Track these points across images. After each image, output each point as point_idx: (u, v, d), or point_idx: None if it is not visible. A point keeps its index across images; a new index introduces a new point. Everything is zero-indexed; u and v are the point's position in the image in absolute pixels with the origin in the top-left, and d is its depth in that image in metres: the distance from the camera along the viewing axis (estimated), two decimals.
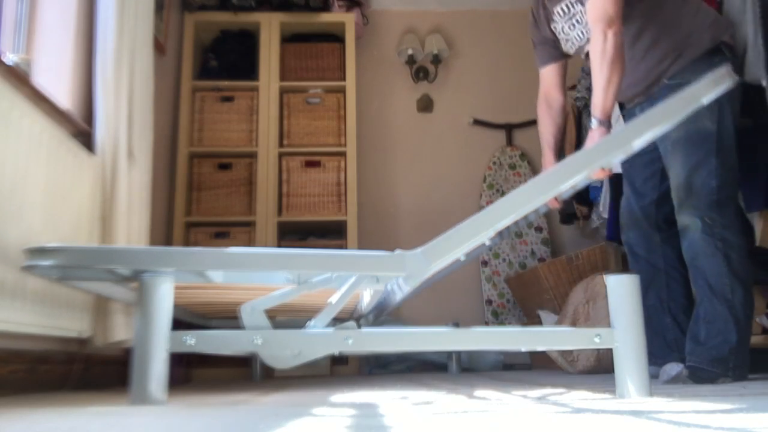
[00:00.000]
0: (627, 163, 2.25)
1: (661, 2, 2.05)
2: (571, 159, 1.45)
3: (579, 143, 3.38)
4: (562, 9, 2.12)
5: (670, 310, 2.11)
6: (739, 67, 2.07)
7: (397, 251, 1.34)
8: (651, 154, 2.15)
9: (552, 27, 2.20)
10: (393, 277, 1.40)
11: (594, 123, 1.87)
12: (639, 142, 1.48)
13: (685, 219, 1.94)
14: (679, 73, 2.01)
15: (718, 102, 1.93)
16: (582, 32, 2.11)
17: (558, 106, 2.25)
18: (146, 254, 1.27)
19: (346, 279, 1.41)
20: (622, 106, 2.35)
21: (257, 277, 1.56)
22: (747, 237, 1.99)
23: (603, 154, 1.45)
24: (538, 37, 2.27)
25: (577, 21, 2.09)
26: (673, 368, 1.88)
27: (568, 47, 2.20)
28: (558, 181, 1.42)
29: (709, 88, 1.50)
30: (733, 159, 1.98)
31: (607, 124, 1.88)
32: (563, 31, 2.16)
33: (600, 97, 1.85)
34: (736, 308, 1.86)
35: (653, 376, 2.06)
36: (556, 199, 2.22)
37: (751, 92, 2.23)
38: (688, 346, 1.92)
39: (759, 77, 2.22)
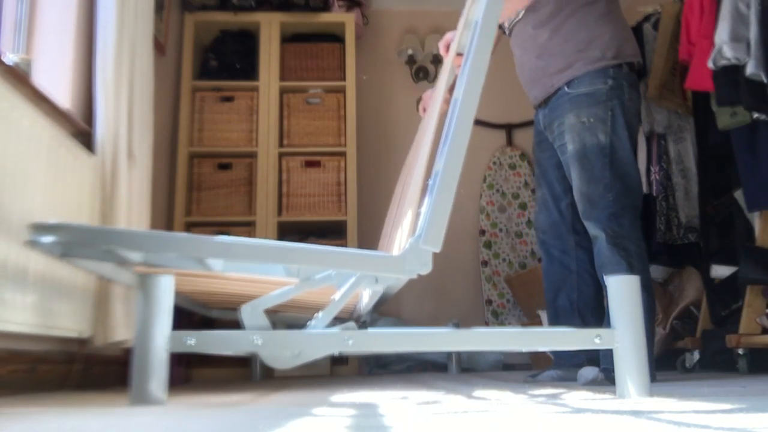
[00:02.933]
0: (541, 164, 2.31)
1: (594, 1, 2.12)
2: (468, 75, 1.44)
3: None
4: None
5: (579, 312, 2.17)
6: (636, 88, 2.14)
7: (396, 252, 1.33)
8: (558, 157, 2.19)
9: None
10: (394, 278, 1.40)
11: None
12: None
13: (592, 230, 2.03)
14: (577, 81, 2.08)
15: (612, 113, 2.04)
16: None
17: None
18: (146, 238, 1.28)
19: (346, 278, 1.41)
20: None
21: (256, 269, 1.56)
22: (645, 242, 2.09)
23: None
24: None
25: None
26: (590, 372, 1.93)
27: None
28: (473, 99, 1.45)
29: None
30: (628, 168, 2.04)
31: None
32: None
33: None
34: None
35: (559, 379, 2.12)
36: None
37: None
38: (602, 350, 1.97)
39: (760, 74, 2.23)
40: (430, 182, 1.36)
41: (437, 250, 1.31)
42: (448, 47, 2.18)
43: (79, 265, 1.46)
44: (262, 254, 1.30)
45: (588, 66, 2.07)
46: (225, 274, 1.72)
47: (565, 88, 2.10)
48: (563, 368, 2.15)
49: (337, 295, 1.38)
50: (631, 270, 1.93)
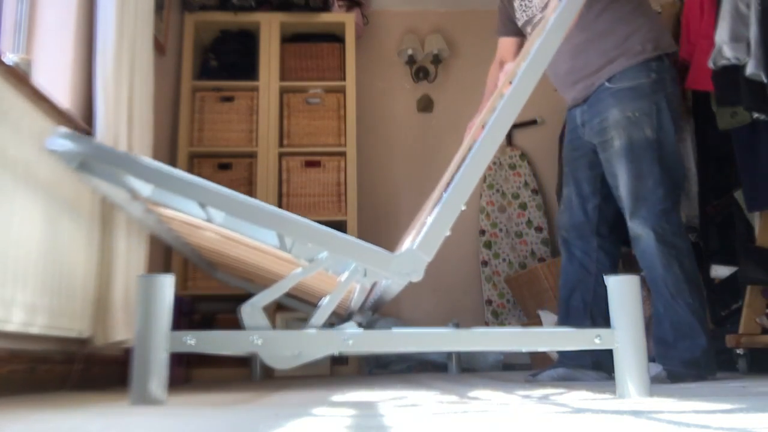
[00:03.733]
0: (571, 164, 2.30)
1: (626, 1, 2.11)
2: (504, 104, 1.43)
3: None
4: None
5: (591, 314, 2.18)
6: (678, 78, 2.19)
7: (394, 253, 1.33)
8: (592, 156, 2.20)
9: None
10: (381, 275, 1.38)
11: None
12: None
13: (638, 229, 2.00)
14: (618, 75, 2.06)
15: (657, 108, 2.02)
16: (539, 4, 2.16)
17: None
18: (154, 170, 1.28)
19: (342, 266, 1.39)
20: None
21: (253, 232, 1.53)
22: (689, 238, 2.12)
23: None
24: (504, 4, 2.35)
25: None
26: (652, 368, 1.93)
27: (524, 17, 2.26)
28: (503, 126, 1.43)
29: None
30: (675, 162, 2.04)
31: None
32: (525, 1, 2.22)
33: None
34: (698, 311, 1.96)
35: (560, 378, 2.14)
36: None
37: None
38: (658, 350, 1.99)
39: (760, 74, 2.23)
40: (444, 194, 1.37)
41: (429, 259, 1.31)
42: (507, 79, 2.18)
43: (94, 184, 1.43)
44: (258, 216, 1.28)
45: (630, 60, 2.05)
46: (231, 234, 1.70)
47: (606, 83, 2.07)
48: (568, 367, 2.14)
49: (343, 277, 1.36)
50: (682, 268, 1.94)
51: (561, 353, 2.26)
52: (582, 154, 2.22)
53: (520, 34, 2.35)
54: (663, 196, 1.97)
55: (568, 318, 2.19)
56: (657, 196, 1.97)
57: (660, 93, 2.03)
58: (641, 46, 2.05)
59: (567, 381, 2.08)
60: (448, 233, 1.40)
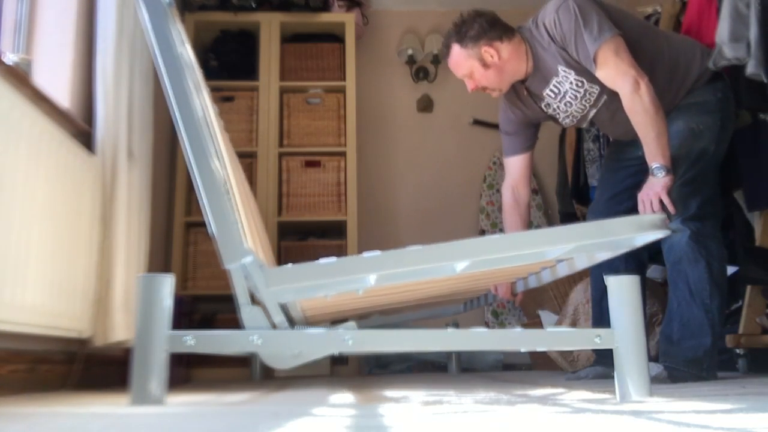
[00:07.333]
0: (612, 169, 2.34)
1: (660, 50, 2.14)
2: (509, 236, 1.32)
3: (579, 146, 3.38)
4: (552, 90, 2.17)
5: None
6: (733, 89, 2.21)
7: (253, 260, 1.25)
8: (638, 167, 2.19)
9: (542, 106, 2.25)
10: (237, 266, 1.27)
11: (661, 172, 1.92)
12: (554, 250, 1.35)
13: (672, 225, 2.01)
14: (685, 97, 2.12)
15: (721, 125, 2.07)
16: (584, 104, 2.17)
17: (525, 202, 2.35)
18: None
19: None
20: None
21: None
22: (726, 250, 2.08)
23: (533, 245, 1.31)
24: (514, 125, 2.33)
25: (574, 94, 2.15)
26: (653, 368, 1.93)
27: (568, 121, 2.27)
28: (483, 250, 1.28)
29: (644, 232, 1.35)
30: (717, 177, 2.10)
31: (672, 170, 1.94)
32: (560, 109, 2.22)
33: (658, 148, 1.92)
34: (713, 313, 1.95)
35: (598, 376, 2.16)
36: (513, 293, 2.33)
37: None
38: (662, 347, 2.00)
39: (760, 74, 2.23)
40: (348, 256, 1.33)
41: (267, 288, 1.26)
42: None
43: None
44: None
45: (695, 84, 2.11)
46: None
47: (676, 103, 2.12)
48: (605, 365, 2.15)
49: None
50: (710, 271, 1.94)
51: (597, 352, 2.27)
52: (626, 166, 2.27)
53: (532, 145, 2.36)
54: (702, 202, 2.00)
55: (602, 319, 2.20)
56: (697, 202, 2.00)
57: (725, 111, 2.09)
58: (699, 74, 2.11)
59: (605, 378, 2.10)
60: (328, 297, 1.33)
